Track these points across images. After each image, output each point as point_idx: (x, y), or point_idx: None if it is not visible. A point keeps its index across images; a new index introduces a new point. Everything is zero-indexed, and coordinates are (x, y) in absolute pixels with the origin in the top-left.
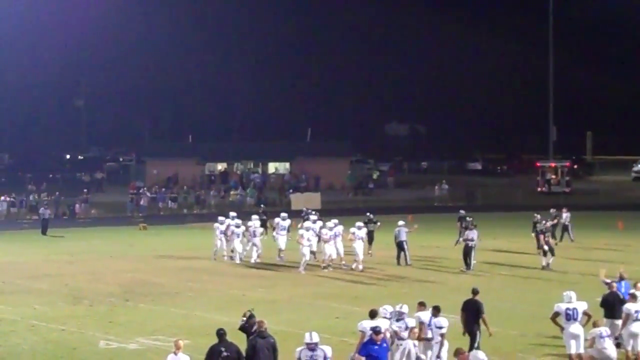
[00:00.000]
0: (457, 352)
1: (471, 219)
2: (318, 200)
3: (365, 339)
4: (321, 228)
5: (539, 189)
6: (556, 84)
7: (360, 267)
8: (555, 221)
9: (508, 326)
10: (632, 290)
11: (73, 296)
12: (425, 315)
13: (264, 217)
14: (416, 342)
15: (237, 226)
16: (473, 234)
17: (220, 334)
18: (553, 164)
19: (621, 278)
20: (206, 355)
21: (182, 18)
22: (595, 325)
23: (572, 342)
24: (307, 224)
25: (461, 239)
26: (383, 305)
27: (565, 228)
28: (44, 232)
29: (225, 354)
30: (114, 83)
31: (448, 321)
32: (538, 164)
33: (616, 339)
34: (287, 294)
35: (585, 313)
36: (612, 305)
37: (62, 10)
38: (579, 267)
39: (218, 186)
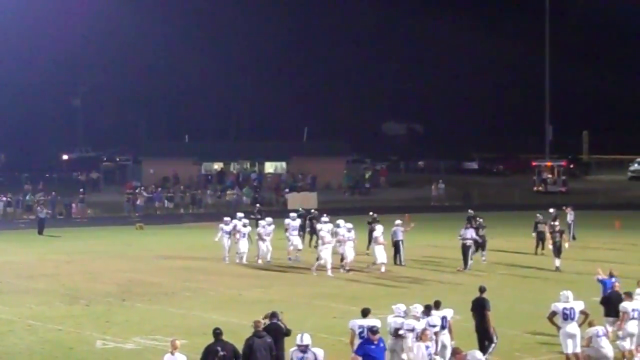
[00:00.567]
0: (454, 352)
1: (481, 219)
2: (314, 200)
3: (360, 339)
4: (334, 229)
5: (535, 189)
6: (552, 84)
7: (383, 269)
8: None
9: (505, 325)
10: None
11: (70, 296)
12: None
13: (259, 217)
14: (429, 344)
15: (245, 226)
16: (470, 232)
17: (217, 333)
18: (549, 164)
19: (611, 275)
20: (202, 354)
21: (179, 18)
22: (590, 324)
23: (569, 342)
24: (324, 226)
25: (459, 237)
26: (396, 304)
27: (568, 227)
28: (40, 232)
29: (221, 353)
30: (111, 83)
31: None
32: (534, 164)
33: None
34: (284, 293)
35: (582, 312)
36: (614, 304)
37: (58, 9)
38: (575, 267)
39: (215, 186)
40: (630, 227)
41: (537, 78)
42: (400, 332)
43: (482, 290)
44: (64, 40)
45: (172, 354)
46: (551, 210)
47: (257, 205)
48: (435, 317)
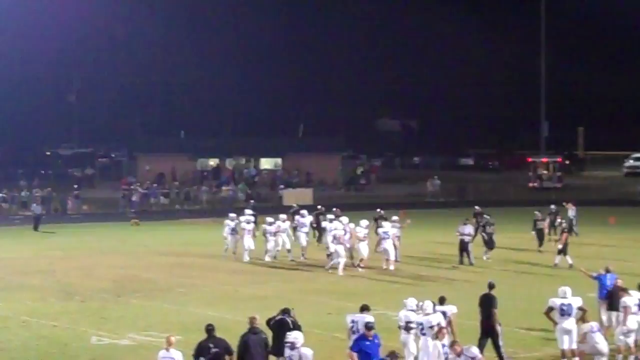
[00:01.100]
0: (452, 344)
1: (489, 216)
2: (310, 196)
3: (357, 335)
4: (354, 226)
5: (531, 185)
6: (548, 80)
7: (392, 267)
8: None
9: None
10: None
11: (65, 292)
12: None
13: (254, 213)
14: (445, 342)
15: (248, 222)
16: (468, 228)
17: (209, 329)
18: (545, 160)
19: (607, 270)
20: (194, 351)
21: (174, 13)
22: (584, 320)
23: (565, 338)
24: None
25: (457, 233)
26: (408, 298)
27: (569, 223)
28: (35, 228)
29: (214, 350)
30: (106, 79)
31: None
32: (530, 160)
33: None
34: (278, 289)
35: (580, 308)
36: (618, 299)
37: (53, 6)
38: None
39: (210, 182)
40: (625, 223)
41: (533, 74)
42: (412, 326)
43: (491, 286)
44: (59, 37)
45: (167, 350)
46: (551, 206)
47: (252, 201)
48: (438, 313)
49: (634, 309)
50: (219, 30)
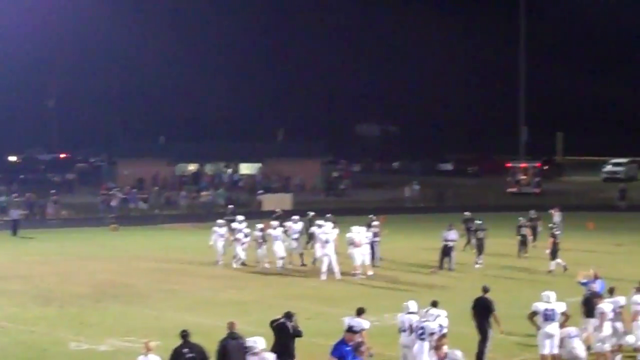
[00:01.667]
0: (437, 346)
1: (480, 221)
2: (289, 201)
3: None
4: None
5: (510, 190)
6: (527, 85)
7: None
8: (537, 223)
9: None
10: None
11: (43, 297)
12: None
13: (233, 219)
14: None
15: (239, 229)
16: (453, 234)
17: (184, 335)
18: (523, 165)
19: (596, 277)
20: (170, 357)
21: (154, 19)
22: (564, 326)
23: (547, 342)
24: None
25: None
26: (408, 301)
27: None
28: (14, 233)
29: (189, 355)
30: (85, 83)
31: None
32: (508, 165)
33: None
34: (257, 294)
35: (563, 314)
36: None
37: (31, 9)
38: (542, 266)
39: (189, 187)
40: (604, 229)
41: (512, 79)
42: (420, 332)
43: (485, 290)
44: (38, 41)
45: (146, 355)
46: (532, 212)
47: (231, 206)
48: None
49: (611, 315)
50: (199, 35)
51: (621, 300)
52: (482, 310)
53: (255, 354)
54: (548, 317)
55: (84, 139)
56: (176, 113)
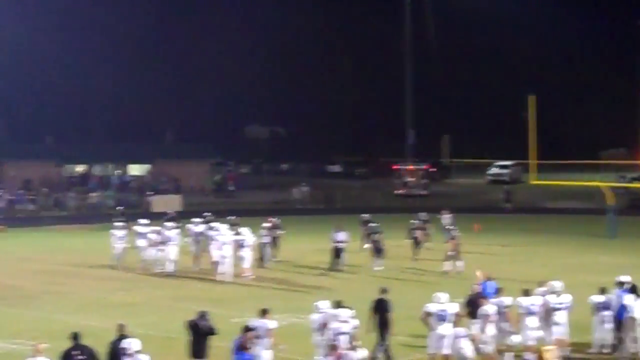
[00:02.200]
0: (332, 348)
1: (377, 223)
2: (178, 202)
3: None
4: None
5: (397, 192)
6: (414, 88)
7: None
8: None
9: (364, 329)
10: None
11: None
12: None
13: (124, 220)
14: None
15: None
16: (342, 235)
17: (74, 337)
18: (411, 167)
19: (488, 279)
20: (60, 359)
21: (40, 17)
22: (456, 326)
23: (438, 343)
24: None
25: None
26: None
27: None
28: None
29: (79, 357)
30: None
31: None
32: (396, 167)
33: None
34: (147, 296)
35: (456, 314)
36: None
37: None
38: (435, 268)
39: (78, 188)
40: (489, 230)
41: (399, 82)
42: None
43: (383, 291)
44: None
45: (35, 357)
46: (420, 214)
47: (119, 208)
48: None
49: (494, 317)
50: (86, 33)
51: (507, 300)
52: (380, 312)
53: (129, 355)
54: (441, 317)
55: None
56: (64, 114)
